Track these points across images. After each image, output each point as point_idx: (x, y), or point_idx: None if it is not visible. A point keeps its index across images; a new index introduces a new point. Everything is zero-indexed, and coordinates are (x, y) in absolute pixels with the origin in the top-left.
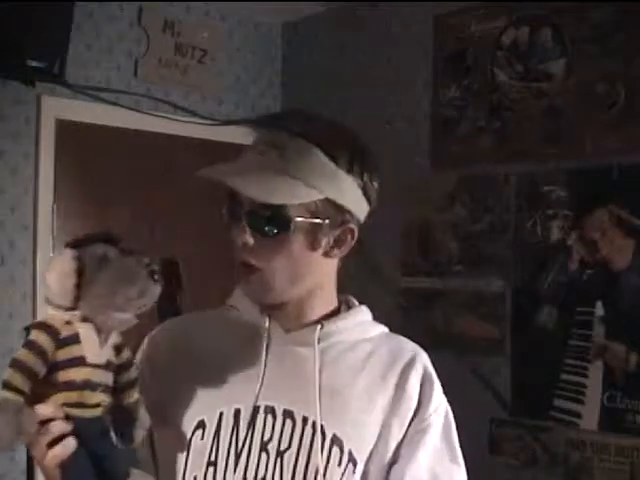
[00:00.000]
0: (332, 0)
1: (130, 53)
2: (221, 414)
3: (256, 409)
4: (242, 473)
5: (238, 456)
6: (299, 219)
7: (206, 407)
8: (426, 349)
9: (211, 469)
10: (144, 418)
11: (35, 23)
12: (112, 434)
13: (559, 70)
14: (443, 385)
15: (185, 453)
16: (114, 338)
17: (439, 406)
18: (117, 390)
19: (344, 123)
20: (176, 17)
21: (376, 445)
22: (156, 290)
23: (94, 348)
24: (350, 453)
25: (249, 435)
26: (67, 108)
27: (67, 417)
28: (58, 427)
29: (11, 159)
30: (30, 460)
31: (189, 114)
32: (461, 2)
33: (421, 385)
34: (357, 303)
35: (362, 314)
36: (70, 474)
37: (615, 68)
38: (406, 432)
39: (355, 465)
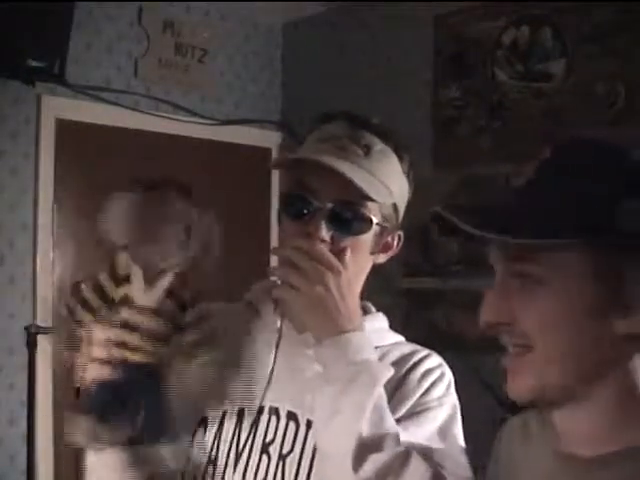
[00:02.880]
0: (332, 0)
1: (130, 53)
2: (224, 412)
3: (261, 409)
4: (241, 474)
5: (238, 456)
6: (375, 221)
7: (212, 403)
8: (427, 349)
9: (211, 467)
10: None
11: (35, 23)
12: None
13: (559, 70)
14: None
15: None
16: (167, 285)
17: (444, 398)
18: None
19: None
20: (176, 17)
21: None
22: (189, 244)
23: (142, 290)
24: None
25: (251, 435)
26: (67, 108)
27: (118, 355)
28: (102, 350)
29: (11, 159)
30: (30, 460)
31: (189, 114)
32: (461, 2)
33: (426, 376)
34: (374, 310)
35: (377, 321)
36: (91, 392)
37: (615, 68)
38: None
39: None
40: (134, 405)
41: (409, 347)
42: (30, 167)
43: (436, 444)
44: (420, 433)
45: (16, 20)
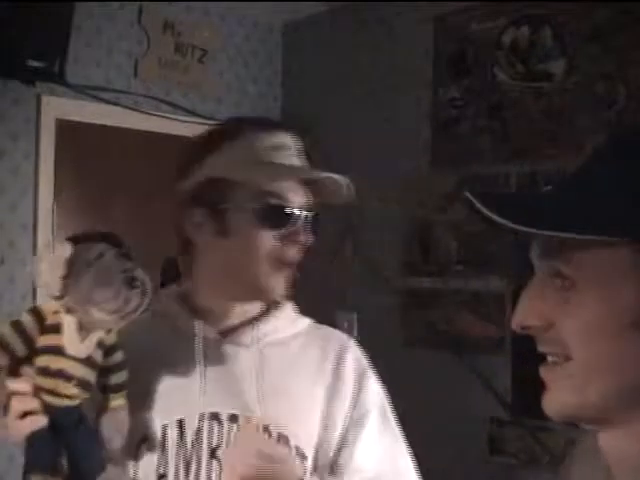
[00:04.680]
0: (332, 0)
1: (130, 53)
2: (165, 426)
3: (201, 417)
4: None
5: (187, 465)
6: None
7: (149, 421)
8: (426, 349)
9: None
10: (123, 424)
11: (35, 23)
12: (88, 428)
13: (559, 70)
14: (443, 384)
15: (134, 469)
16: (99, 336)
17: (374, 391)
18: (104, 391)
19: (344, 123)
20: (176, 17)
21: (323, 436)
22: (133, 296)
23: (74, 340)
24: (297, 448)
25: (196, 444)
26: (67, 108)
27: (43, 402)
28: (26, 402)
29: (11, 159)
30: None
31: (189, 114)
32: (461, 2)
33: (355, 371)
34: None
35: (289, 309)
36: (32, 448)
37: (615, 68)
38: (349, 417)
39: (304, 459)
40: (65, 449)
41: (323, 332)
42: (30, 167)
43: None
44: (368, 442)
45: (16, 20)
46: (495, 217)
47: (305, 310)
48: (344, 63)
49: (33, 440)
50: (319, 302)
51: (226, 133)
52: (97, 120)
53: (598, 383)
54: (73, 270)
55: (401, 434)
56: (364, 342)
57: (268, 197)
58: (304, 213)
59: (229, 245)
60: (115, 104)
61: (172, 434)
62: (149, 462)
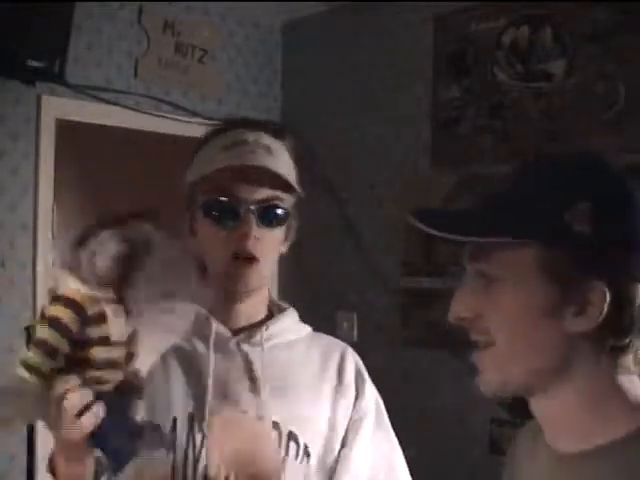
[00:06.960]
0: (332, 0)
1: (130, 53)
2: (175, 419)
3: (211, 413)
4: (202, 474)
5: (196, 458)
6: (288, 212)
7: (162, 414)
8: (426, 349)
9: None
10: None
11: (35, 23)
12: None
13: (559, 70)
14: (443, 384)
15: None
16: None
17: (371, 395)
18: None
19: (344, 123)
20: (176, 17)
21: (329, 436)
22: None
23: (119, 328)
24: (305, 446)
25: (205, 438)
26: (67, 108)
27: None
28: (85, 396)
29: (11, 159)
30: (30, 460)
31: (189, 114)
32: (461, 2)
33: (355, 376)
34: (286, 305)
35: (294, 315)
36: (104, 437)
37: (615, 68)
38: (350, 419)
39: (309, 457)
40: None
41: (324, 339)
42: (30, 167)
43: None
44: (365, 445)
45: (16, 20)
46: (424, 227)
47: (305, 310)
48: (344, 63)
49: (103, 434)
50: (319, 302)
51: (200, 141)
52: (97, 120)
53: (519, 363)
54: (130, 260)
55: (394, 436)
56: (364, 342)
57: (215, 193)
58: (251, 207)
59: (197, 243)
60: (115, 104)
61: (182, 428)
62: (158, 454)
